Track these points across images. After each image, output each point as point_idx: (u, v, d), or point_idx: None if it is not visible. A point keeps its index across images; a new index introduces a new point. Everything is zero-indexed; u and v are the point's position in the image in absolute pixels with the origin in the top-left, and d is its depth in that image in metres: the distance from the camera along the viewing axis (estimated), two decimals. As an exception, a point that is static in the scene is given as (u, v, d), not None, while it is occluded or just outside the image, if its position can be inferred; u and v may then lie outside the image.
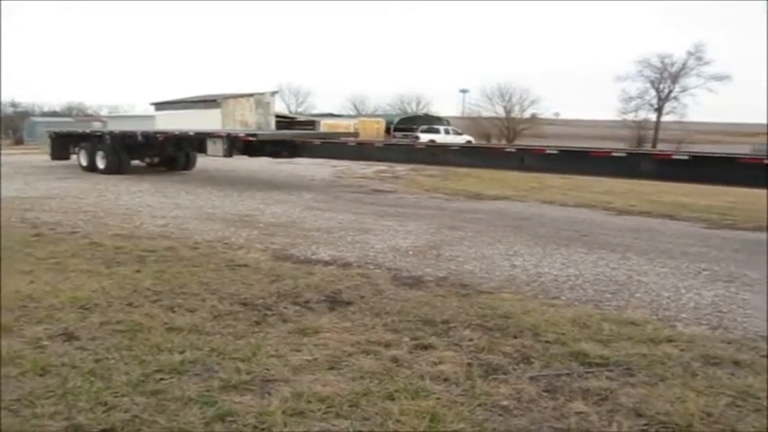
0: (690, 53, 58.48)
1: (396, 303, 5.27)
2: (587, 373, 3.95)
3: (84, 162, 18.24)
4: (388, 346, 4.28)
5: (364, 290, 5.69)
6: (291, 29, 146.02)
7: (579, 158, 10.79)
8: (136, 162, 18.31)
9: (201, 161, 19.16)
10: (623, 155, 10.35)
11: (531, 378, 3.84)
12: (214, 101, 42.48)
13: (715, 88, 59.46)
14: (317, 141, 13.53)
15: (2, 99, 62.87)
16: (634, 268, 6.95)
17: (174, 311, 4.84)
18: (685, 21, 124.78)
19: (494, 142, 49.14)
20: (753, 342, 4.54)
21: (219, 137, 14.64)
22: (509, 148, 11.83)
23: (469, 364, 4.00)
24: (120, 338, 4.19)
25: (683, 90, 59.53)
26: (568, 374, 3.94)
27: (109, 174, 17.00)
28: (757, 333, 4.78)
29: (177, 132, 16.17)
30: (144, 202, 11.80)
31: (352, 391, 3.48)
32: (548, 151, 10.96)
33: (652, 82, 60.27)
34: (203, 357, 3.88)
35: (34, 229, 8.58)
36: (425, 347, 4.27)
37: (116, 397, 3.29)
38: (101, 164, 17.54)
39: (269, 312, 4.93)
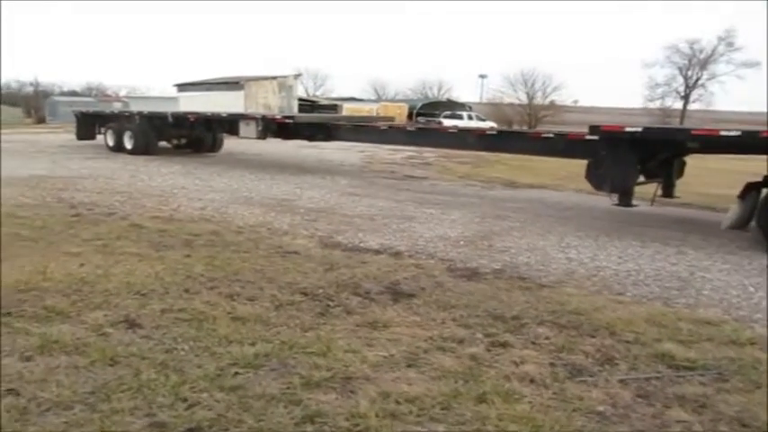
0: (720, 38, 57.54)
1: (460, 297, 5.06)
2: (678, 377, 3.73)
3: (111, 142, 18.10)
4: (462, 342, 4.08)
5: (423, 281, 5.48)
6: (310, 11, 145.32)
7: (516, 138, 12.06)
8: (162, 143, 18.16)
9: (226, 144, 19.01)
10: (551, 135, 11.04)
11: (621, 381, 3.63)
12: (237, 83, 42.29)
13: (745, 75, 58.48)
14: (354, 125, 13.29)
15: (23, 79, 63.08)
16: (694, 264, 6.69)
17: (233, 300, 4.67)
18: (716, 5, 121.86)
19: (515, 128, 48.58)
20: None
21: (254, 119, 14.44)
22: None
23: (552, 365, 3.80)
24: (186, 328, 4.01)
25: (712, 77, 58.64)
26: (658, 378, 3.72)
27: (136, 154, 16.85)
28: None
29: (209, 114, 15.97)
30: (177, 183, 11.64)
31: (440, 392, 3.28)
32: (488, 132, 12.11)
33: (680, 68, 59.43)
34: (276, 351, 3.69)
35: (72, 209, 8.44)
36: (503, 345, 4.06)
37: (195, 392, 3.11)
38: (128, 144, 17.39)
39: (331, 303, 4.74)
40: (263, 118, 14.30)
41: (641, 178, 9.16)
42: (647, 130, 8.81)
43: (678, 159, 9.69)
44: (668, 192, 9.73)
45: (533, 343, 4.15)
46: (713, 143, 8.50)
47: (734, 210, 8.11)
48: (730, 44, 57.09)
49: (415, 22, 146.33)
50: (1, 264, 5.25)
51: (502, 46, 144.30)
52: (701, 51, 58.45)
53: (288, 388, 3.22)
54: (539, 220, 8.94)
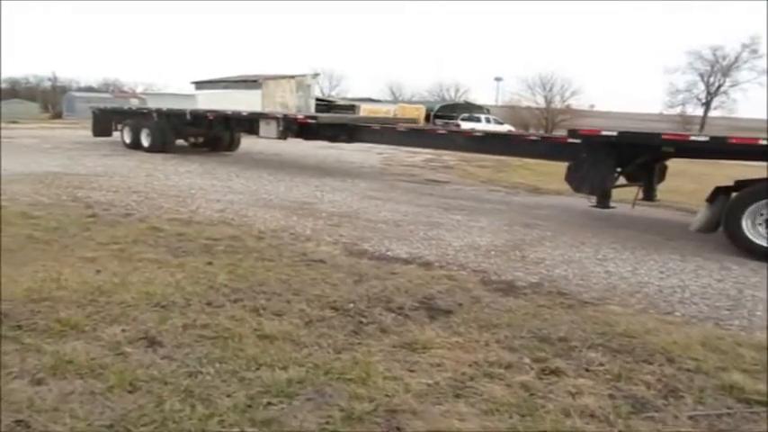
0: (745, 45, 56.71)
1: (501, 314, 4.71)
2: (752, 414, 3.37)
3: (127, 139, 17.88)
4: (509, 367, 3.74)
5: (458, 296, 5.14)
6: (326, 11, 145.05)
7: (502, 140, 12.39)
8: (178, 141, 17.91)
9: (243, 143, 18.74)
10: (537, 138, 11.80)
11: (691, 418, 3.27)
12: (255, 81, 42.03)
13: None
14: (378, 126, 12.96)
15: (40, 74, 63.21)
16: (741, 281, 6.32)
17: (259, 314, 4.34)
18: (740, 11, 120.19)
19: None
20: None
21: (275, 118, 14.13)
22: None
23: (612, 396, 3.45)
24: (210, 347, 3.68)
25: (734, 84, 57.82)
26: (729, 414, 3.36)
27: (153, 152, 16.60)
28: None
29: (229, 112, 15.68)
30: (195, 183, 11.36)
31: (496, 429, 2.94)
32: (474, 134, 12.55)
33: (702, 75, 58.67)
34: (310, 377, 3.35)
35: (88, 209, 8.17)
36: (554, 372, 3.71)
37: (224, 427, 2.78)
38: (145, 142, 17.16)
39: (363, 320, 4.41)
40: (285, 117, 13.99)
41: (622, 181, 9.51)
42: (621, 134, 8.94)
43: (660, 163, 9.91)
44: (649, 195, 9.94)
45: (587, 370, 3.80)
46: (685, 148, 8.87)
47: (703, 213, 8.09)
48: (754, 51, 56.27)
49: (432, 22, 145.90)
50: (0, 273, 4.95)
51: (519, 48, 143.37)
52: (724, 58, 57.70)
53: (327, 423, 2.89)
54: (569, 230, 8.57)
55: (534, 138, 11.78)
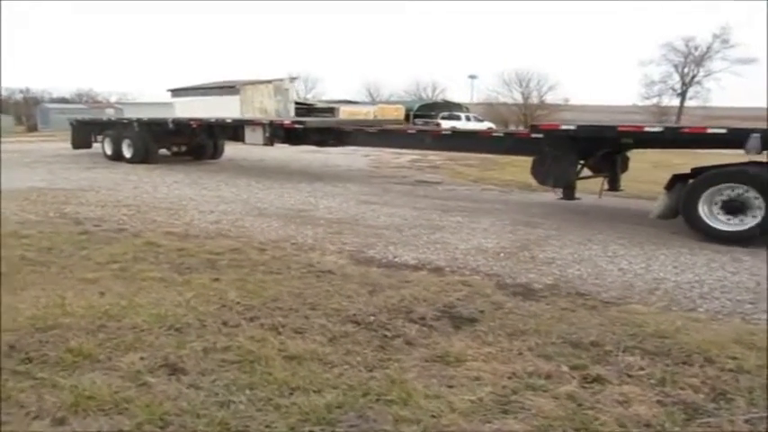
0: (716, 36, 57.33)
1: (526, 320, 4.56)
2: (809, 412, 3.25)
3: (108, 151, 17.52)
4: (550, 377, 3.58)
5: (479, 302, 4.98)
6: (298, 11, 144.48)
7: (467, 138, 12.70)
8: (161, 151, 17.57)
9: (226, 150, 18.46)
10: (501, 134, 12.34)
11: (747, 421, 3.14)
12: (233, 87, 41.58)
13: (741, 72, 58.38)
14: (372, 130, 12.75)
15: (11, 86, 62.06)
16: (749, 269, 6.25)
17: (279, 333, 4.14)
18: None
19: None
20: None
21: (260, 124, 13.87)
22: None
23: (661, 403, 3.30)
24: (237, 372, 3.48)
25: (708, 74, 58.44)
26: (786, 415, 3.24)
27: (136, 163, 16.29)
28: None
29: (213, 120, 15.39)
30: (184, 194, 11.09)
31: (557, 447, 2.78)
32: (443, 132, 12.74)
33: (676, 66, 59.21)
34: (348, 400, 3.16)
35: (79, 226, 7.89)
36: (597, 380, 3.56)
37: (272, 463, 2.58)
38: (127, 152, 16.83)
39: (388, 333, 4.23)
40: (271, 123, 13.73)
41: (587, 173, 9.80)
42: (580, 127, 9.21)
43: (621, 155, 10.17)
44: (613, 185, 10.22)
45: (629, 375, 3.66)
46: (641, 139, 8.98)
47: (662, 200, 8.36)
48: (725, 41, 56.89)
49: (407, 22, 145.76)
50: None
51: (492, 46, 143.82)
52: (696, 49, 58.25)
53: (378, 451, 2.70)
54: (572, 227, 8.45)
55: (499, 134, 12.23)
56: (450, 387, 3.40)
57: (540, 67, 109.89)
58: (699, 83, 58.86)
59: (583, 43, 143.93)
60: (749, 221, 7.50)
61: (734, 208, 7.59)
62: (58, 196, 10.54)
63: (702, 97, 58.55)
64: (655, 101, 59.88)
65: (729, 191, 7.62)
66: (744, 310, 5.08)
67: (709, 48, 57.55)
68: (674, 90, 59.58)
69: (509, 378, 3.54)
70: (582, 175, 9.75)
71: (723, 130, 8.13)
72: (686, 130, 8.74)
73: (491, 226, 8.43)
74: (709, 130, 8.25)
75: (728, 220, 7.63)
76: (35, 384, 3.29)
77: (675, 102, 59.46)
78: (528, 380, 3.53)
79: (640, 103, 60.21)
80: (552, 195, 10.27)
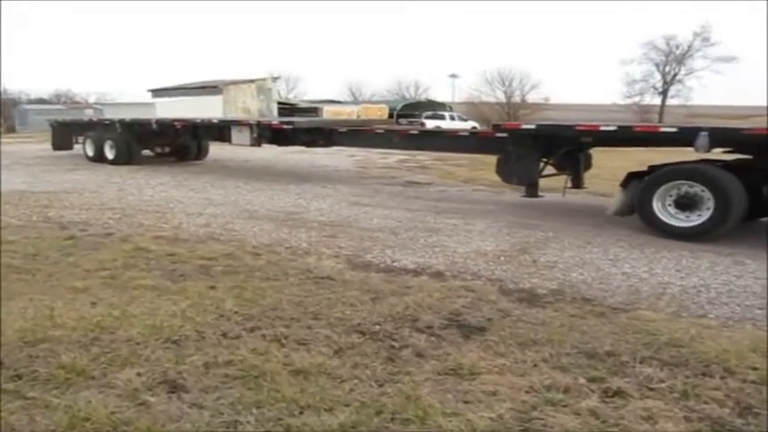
0: (696, 34, 57.69)
1: (536, 329, 4.41)
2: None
3: (90, 152, 17.19)
4: (568, 391, 3.43)
5: (485, 310, 4.82)
6: (279, 11, 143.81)
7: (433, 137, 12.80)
8: (144, 152, 17.28)
9: (210, 150, 18.19)
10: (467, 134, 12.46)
11: (778, 439, 3.01)
12: (215, 87, 41.18)
13: (722, 70, 58.76)
14: (354, 129, 12.56)
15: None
16: (753, 273, 6.17)
17: (283, 345, 3.95)
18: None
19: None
20: None
21: (248, 125, 13.63)
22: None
23: (688, 419, 3.16)
24: (241, 389, 3.29)
25: (689, 72, 58.82)
26: (816, 430, 3.11)
27: (119, 164, 15.99)
28: None
29: (199, 120, 15.12)
30: (170, 196, 10.85)
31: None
32: (410, 132, 12.74)
33: (657, 65, 59.54)
34: (362, 419, 2.99)
35: (64, 231, 7.64)
36: (618, 394, 3.42)
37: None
38: (110, 154, 16.51)
39: (395, 344, 4.06)
40: (259, 124, 13.50)
41: (550, 171, 9.97)
42: (540, 126, 9.53)
43: (584, 153, 10.20)
44: (576, 183, 10.23)
45: (649, 389, 3.51)
46: (599, 137, 9.07)
47: (618, 197, 8.57)
48: (706, 39, 57.26)
49: (389, 21, 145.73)
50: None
51: (473, 45, 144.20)
52: (677, 47, 58.60)
53: (400, 477, 2.53)
54: (569, 229, 8.32)
55: (465, 133, 12.50)
56: (467, 403, 3.23)
57: (522, 66, 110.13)
58: (680, 81, 59.26)
59: (565, 42, 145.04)
60: (698, 218, 7.66)
61: (686, 204, 7.74)
62: (40, 199, 10.25)
63: (684, 96, 58.95)
64: (636, 99, 60.17)
65: (681, 188, 7.77)
66: (754, 316, 4.96)
67: (690, 46, 57.97)
68: (655, 89, 59.94)
69: (527, 392, 3.39)
70: (545, 173, 9.97)
71: (674, 129, 8.37)
72: (639, 129, 9.13)
73: (487, 228, 8.29)
74: (661, 129, 8.61)
75: (681, 216, 7.79)
76: (26, 405, 3.07)
77: (657, 100, 59.76)
78: (546, 394, 3.37)
79: (621, 102, 60.39)
80: (548, 196, 10.18)
